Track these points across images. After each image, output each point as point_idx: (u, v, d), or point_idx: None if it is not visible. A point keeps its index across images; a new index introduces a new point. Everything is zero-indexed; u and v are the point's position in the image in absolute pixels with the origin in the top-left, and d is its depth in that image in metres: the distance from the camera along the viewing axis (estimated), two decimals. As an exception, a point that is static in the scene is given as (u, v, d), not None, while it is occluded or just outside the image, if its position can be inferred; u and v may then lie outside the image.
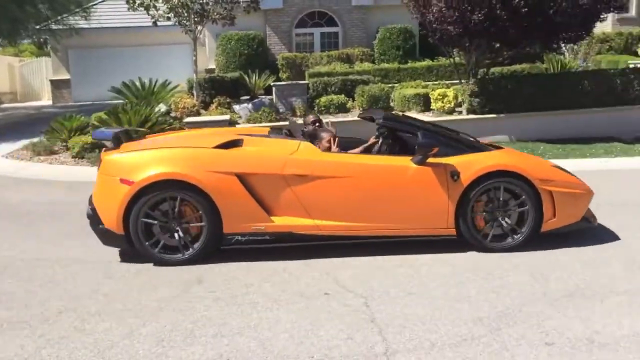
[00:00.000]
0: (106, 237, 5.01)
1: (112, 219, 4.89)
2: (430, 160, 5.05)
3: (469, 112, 12.16)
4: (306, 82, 14.58)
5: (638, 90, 12.38)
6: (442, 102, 12.37)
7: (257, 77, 15.43)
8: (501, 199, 5.14)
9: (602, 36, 18.67)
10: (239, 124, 12.52)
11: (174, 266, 4.94)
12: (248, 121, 12.60)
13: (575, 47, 17.28)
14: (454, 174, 5.04)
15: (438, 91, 12.61)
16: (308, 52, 18.25)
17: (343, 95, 13.78)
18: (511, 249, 5.16)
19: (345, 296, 4.32)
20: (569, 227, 5.30)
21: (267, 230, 5.01)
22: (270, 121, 12.16)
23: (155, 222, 4.93)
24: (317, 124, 6.36)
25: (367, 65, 16.53)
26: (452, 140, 5.46)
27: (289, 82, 15.29)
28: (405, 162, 5.13)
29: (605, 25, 17.98)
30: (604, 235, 5.63)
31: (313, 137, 5.62)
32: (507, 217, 5.18)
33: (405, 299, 4.25)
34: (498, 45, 12.19)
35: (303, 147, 5.21)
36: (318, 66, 16.70)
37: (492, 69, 14.02)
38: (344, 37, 18.82)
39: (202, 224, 4.93)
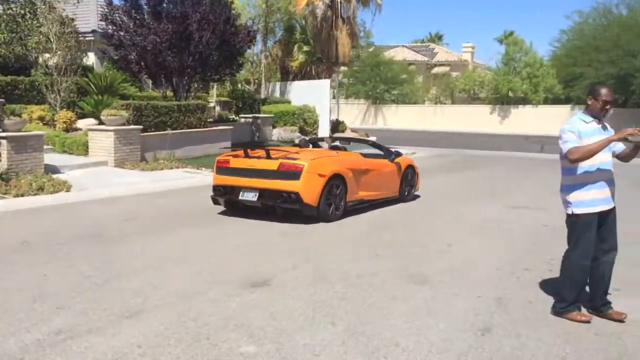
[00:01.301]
0: (307, 208, 7.92)
1: (312, 197, 7.89)
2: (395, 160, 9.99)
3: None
4: None
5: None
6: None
7: None
8: (409, 177, 10.30)
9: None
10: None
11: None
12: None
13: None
14: (399, 166, 10.00)
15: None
16: None
17: None
18: (412, 198, 10.35)
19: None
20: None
21: (357, 199, 8.81)
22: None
23: (330, 197, 8.17)
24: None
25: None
26: (392, 151, 10.24)
27: None
28: (387, 162, 9.81)
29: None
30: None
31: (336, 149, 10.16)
32: (409, 184, 10.32)
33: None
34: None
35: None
36: None
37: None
38: None
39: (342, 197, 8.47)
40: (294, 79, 24.57)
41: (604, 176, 4.31)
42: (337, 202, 8.25)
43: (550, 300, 4.76)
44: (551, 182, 13.11)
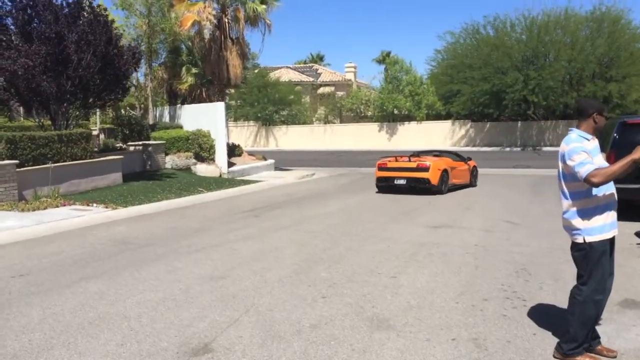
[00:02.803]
0: (433, 187, 14.09)
1: (435, 181, 14.17)
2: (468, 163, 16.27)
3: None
4: None
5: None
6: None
7: None
8: (474, 172, 16.35)
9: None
10: None
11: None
12: None
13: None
14: (470, 166, 16.15)
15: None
16: None
17: None
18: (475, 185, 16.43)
19: None
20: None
21: (451, 184, 14.89)
22: None
23: (442, 181, 14.44)
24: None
25: None
26: (461, 157, 16.43)
27: None
28: (463, 163, 15.98)
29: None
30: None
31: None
32: (474, 177, 16.38)
33: None
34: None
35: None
36: None
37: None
38: None
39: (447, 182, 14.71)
40: (183, 103, 23.34)
41: (613, 198, 3.96)
42: (445, 184, 14.61)
43: (527, 336, 4.38)
44: (458, 197, 13.36)
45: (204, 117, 20.36)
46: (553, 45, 35.40)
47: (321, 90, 50.82)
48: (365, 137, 41.67)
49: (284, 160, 25.13)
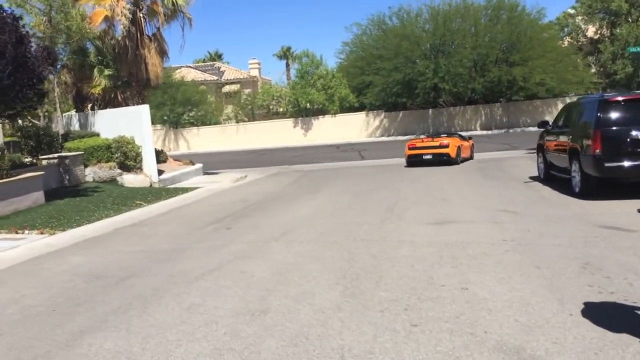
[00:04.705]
0: (452, 159, 18.69)
1: (454, 155, 18.70)
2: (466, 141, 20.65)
3: None
4: None
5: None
6: None
7: None
8: (473, 148, 21.03)
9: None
10: None
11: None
12: None
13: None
14: (470, 144, 20.83)
15: None
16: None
17: None
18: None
19: None
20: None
21: (462, 157, 19.56)
22: None
23: (457, 156, 19.27)
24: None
25: None
26: (464, 137, 21.23)
27: None
28: (467, 141, 20.58)
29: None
30: None
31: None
32: (472, 152, 20.95)
33: None
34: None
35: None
36: None
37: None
38: None
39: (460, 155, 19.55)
40: (93, 108, 21.13)
41: None
42: (459, 157, 18.60)
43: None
44: (422, 188, 12.83)
45: (124, 123, 18.43)
46: (459, 33, 36.40)
47: (226, 88, 49.16)
48: (281, 133, 40.71)
49: (205, 163, 23.56)
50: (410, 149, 19.43)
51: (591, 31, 39.70)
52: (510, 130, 36.36)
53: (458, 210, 9.95)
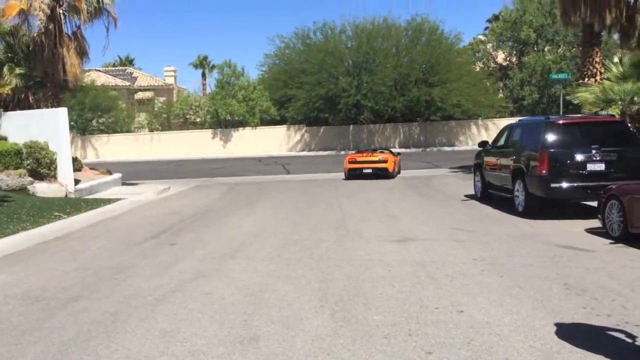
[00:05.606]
0: (389, 174, 19.55)
1: (391, 169, 19.64)
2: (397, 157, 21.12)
3: None
4: None
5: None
6: None
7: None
8: (400, 162, 21.54)
9: None
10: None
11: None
12: None
13: None
14: (398, 158, 21.22)
15: None
16: None
17: None
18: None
19: None
20: None
21: (396, 170, 20.64)
22: None
23: (394, 169, 20.38)
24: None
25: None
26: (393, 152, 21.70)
27: None
28: (397, 157, 21.21)
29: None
30: None
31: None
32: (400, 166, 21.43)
33: None
34: None
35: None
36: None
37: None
38: None
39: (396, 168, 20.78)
40: (1, 108, 19.28)
41: None
42: (395, 171, 19.65)
43: None
44: (362, 203, 12.68)
45: (37, 126, 16.88)
46: (381, 52, 37.19)
47: (139, 95, 47.18)
48: (199, 144, 39.48)
49: (121, 174, 22.17)
50: (350, 162, 19.71)
51: (501, 58, 42.01)
52: (427, 149, 37.49)
53: (410, 228, 9.83)
